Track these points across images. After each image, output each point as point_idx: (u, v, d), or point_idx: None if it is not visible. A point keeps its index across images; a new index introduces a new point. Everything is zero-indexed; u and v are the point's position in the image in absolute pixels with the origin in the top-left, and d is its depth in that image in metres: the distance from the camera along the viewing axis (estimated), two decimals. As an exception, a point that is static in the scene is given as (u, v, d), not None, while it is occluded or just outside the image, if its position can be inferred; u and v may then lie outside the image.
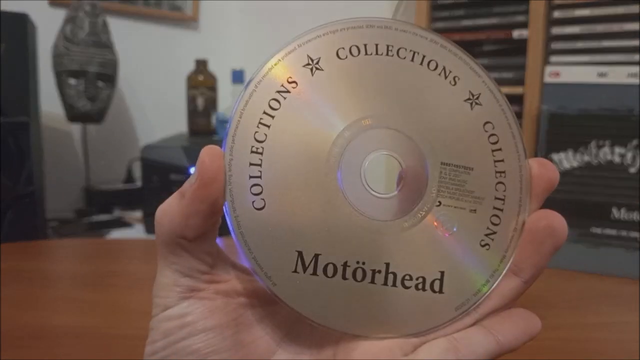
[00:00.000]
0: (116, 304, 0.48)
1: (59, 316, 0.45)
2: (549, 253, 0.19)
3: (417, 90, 0.20)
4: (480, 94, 0.20)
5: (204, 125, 1.24)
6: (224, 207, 0.18)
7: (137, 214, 1.18)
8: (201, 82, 1.23)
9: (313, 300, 0.18)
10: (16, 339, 0.40)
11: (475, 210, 0.19)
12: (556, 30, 0.91)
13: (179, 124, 1.35)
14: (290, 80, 0.19)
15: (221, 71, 1.30)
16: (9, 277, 0.53)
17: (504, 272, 0.19)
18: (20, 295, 0.49)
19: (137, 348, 0.38)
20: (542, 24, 0.92)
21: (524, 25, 0.95)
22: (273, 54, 0.19)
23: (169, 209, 0.18)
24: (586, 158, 0.64)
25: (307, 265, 0.18)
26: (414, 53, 0.20)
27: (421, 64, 0.20)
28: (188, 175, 0.18)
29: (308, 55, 0.19)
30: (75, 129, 1.24)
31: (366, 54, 0.20)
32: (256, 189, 0.18)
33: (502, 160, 0.20)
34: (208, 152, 0.18)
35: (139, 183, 1.24)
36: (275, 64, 0.19)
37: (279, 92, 0.19)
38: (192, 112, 1.24)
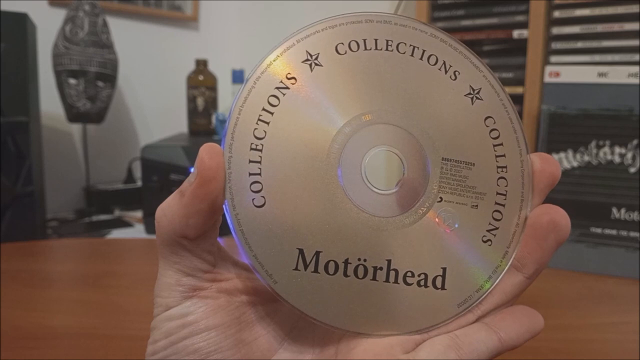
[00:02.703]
0: (116, 304, 0.48)
1: (58, 316, 0.45)
2: (552, 248, 0.18)
3: (417, 85, 0.19)
4: (480, 88, 0.20)
5: (204, 125, 1.24)
6: (224, 206, 0.18)
7: (137, 214, 1.18)
8: (201, 82, 1.23)
9: (314, 298, 0.18)
10: (16, 339, 0.40)
11: (477, 205, 0.19)
12: (556, 30, 0.91)
13: (179, 124, 1.35)
14: (289, 76, 0.19)
15: (221, 71, 1.30)
16: (8, 277, 0.53)
17: (507, 268, 0.19)
18: (19, 296, 0.49)
19: (136, 348, 0.38)
20: (542, 24, 0.92)
21: (524, 25, 0.95)
22: (271, 50, 0.19)
23: (169, 209, 0.18)
24: (586, 158, 0.63)
25: (308, 262, 0.18)
26: (414, 48, 0.20)
27: (421, 58, 0.20)
28: (188, 175, 0.18)
29: (307, 51, 0.19)
30: (75, 129, 1.24)
31: (365, 49, 0.19)
32: (256, 187, 0.18)
33: (504, 155, 0.20)
34: (207, 150, 0.17)
35: (139, 183, 1.24)
36: (274, 60, 0.19)
37: (278, 88, 0.19)
38: (192, 112, 1.24)
